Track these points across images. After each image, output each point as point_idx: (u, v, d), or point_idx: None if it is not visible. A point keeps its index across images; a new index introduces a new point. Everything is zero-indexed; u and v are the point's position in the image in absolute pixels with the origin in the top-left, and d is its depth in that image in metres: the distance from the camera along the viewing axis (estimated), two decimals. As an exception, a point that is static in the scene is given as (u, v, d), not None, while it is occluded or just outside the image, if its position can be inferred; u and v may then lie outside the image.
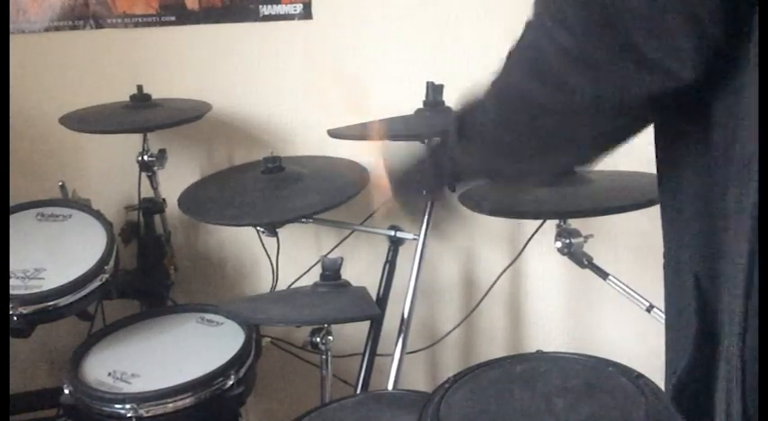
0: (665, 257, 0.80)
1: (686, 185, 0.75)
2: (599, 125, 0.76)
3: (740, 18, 0.64)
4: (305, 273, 2.04)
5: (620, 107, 0.72)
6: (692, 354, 0.74)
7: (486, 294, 2.11)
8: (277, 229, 1.92)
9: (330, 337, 1.70)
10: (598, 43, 0.70)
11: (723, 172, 0.68)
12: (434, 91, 1.78)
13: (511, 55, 0.80)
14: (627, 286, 1.71)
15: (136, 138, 2.02)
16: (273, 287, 2.13)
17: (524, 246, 2.04)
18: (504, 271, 2.11)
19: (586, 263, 1.73)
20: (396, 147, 1.29)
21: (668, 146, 0.78)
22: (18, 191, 1.96)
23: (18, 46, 2.09)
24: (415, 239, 1.78)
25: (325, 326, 1.69)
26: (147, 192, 2.07)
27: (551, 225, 1.78)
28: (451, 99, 1.80)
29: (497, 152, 0.89)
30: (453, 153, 0.96)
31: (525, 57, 0.78)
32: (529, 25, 0.76)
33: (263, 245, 2.09)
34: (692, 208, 0.74)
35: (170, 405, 1.61)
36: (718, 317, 0.70)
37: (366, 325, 1.80)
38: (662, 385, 0.83)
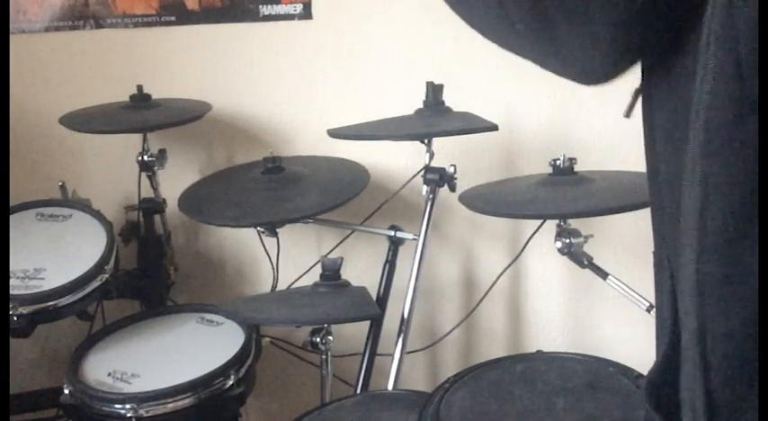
0: (653, 255, 0.81)
1: (664, 183, 0.75)
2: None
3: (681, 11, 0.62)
4: (305, 273, 2.04)
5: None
6: (666, 351, 0.74)
7: (486, 294, 2.11)
8: (277, 229, 1.92)
9: (330, 337, 1.70)
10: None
11: (684, 170, 0.68)
12: (434, 91, 1.78)
13: None
14: (627, 286, 1.71)
15: (136, 138, 2.02)
16: (273, 287, 2.13)
17: (524, 246, 2.04)
18: (504, 271, 2.11)
19: (586, 263, 1.73)
20: None
21: (649, 142, 0.78)
22: (18, 191, 1.96)
23: (18, 46, 2.09)
24: (415, 239, 1.78)
25: (325, 326, 1.69)
26: (147, 192, 2.07)
27: (551, 225, 1.78)
28: (451, 99, 1.80)
29: None
30: None
31: None
32: None
33: (263, 245, 2.09)
34: (669, 207, 0.75)
35: (170, 405, 1.61)
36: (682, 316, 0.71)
37: (366, 325, 1.80)
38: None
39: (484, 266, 2.18)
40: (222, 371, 1.65)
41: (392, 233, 1.85)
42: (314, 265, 1.97)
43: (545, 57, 0.68)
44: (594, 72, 0.67)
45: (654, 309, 1.73)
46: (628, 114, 0.80)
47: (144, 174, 2.04)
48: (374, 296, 1.78)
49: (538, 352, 1.55)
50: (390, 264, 1.85)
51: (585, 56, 0.65)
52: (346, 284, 1.74)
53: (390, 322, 1.79)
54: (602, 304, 2.16)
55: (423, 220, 1.77)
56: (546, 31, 0.64)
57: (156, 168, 2.04)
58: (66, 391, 1.66)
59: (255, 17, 2.12)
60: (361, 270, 1.96)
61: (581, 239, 1.72)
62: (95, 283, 1.74)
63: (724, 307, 0.64)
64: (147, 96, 2.02)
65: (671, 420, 0.73)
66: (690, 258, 0.65)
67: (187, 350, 1.78)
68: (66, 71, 2.20)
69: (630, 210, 1.60)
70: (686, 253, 0.66)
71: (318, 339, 1.69)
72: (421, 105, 1.80)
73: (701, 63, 0.61)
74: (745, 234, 0.62)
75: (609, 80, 0.67)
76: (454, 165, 1.78)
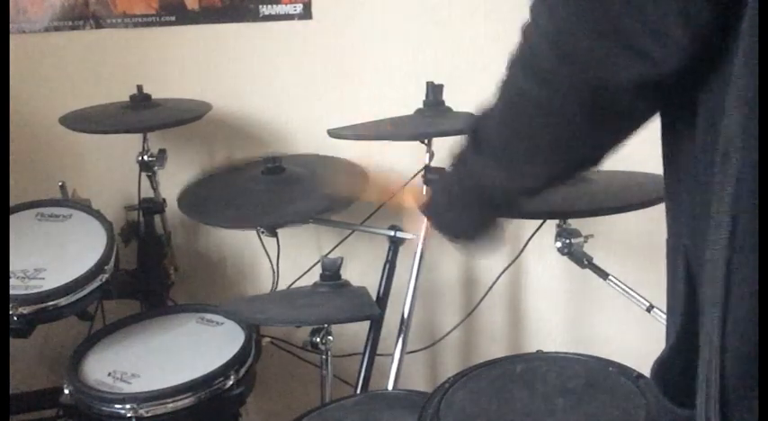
0: (666, 243, 0.81)
1: (682, 172, 0.76)
2: (589, 124, 0.75)
3: (729, 6, 0.64)
4: (305, 273, 2.04)
5: (603, 98, 0.71)
6: (678, 336, 0.74)
7: (486, 294, 2.11)
8: (277, 230, 1.92)
9: (330, 337, 1.70)
10: (579, 26, 0.68)
11: (709, 161, 0.68)
12: (434, 91, 1.78)
13: (513, 52, 0.79)
14: (627, 286, 1.71)
15: (136, 139, 2.02)
16: (273, 287, 2.13)
17: (524, 246, 2.04)
18: (504, 271, 2.11)
19: (586, 263, 1.73)
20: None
21: (669, 132, 0.78)
22: (18, 191, 1.96)
23: (18, 46, 2.09)
24: (415, 239, 1.78)
25: (325, 326, 1.69)
26: (147, 192, 2.07)
27: (551, 225, 1.78)
28: (451, 99, 1.80)
29: (508, 159, 0.85)
30: (474, 168, 0.90)
31: (519, 51, 0.77)
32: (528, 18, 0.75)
33: (263, 245, 2.09)
34: (686, 195, 0.75)
35: (170, 405, 1.61)
36: (700, 302, 0.71)
37: (366, 325, 1.80)
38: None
39: (484, 266, 2.18)
40: (222, 371, 1.65)
41: (392, 233, 1.85)
42: (314, 265, 1.97)
43: (610, 68, 0.69)
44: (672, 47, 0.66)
45: (654, 309, 1.73)
46: None
47: (144, 174, 2.04)
48: (374, 296, 1.78)
49: (538, 352, 1.55)
50: (390, 264, 1.85)
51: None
52: (346, 284, 1.74)
53: (390, 322, 1.79)
54: (602, 304, 2.16)
55: (423, 220, 1.77)
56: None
57: (156, 168, 2.03)
58: (67, 391, 1.66)
59: (255, 17, 2.12)
60: (361, 270, 1.96)
61: (581, 239, 1.72)
62: (95, 283, 1.74)
63: (747, 293, 0.64)
64: (147, 96, 2.02)
65: (679, 403, 0.73)
66: (721, 246, 0.65)
67: (187, 350, 1.78)
68: (66, 71, 2.20)
69: (630, 210, 1.60)
70: (718, 242, 0.66)
71: (318, 339, 1.69)
72: (421, 105, 1.81)
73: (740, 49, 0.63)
74: None
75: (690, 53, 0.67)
76: (454, 166, 1.77)
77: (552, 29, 0.71)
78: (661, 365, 0.77)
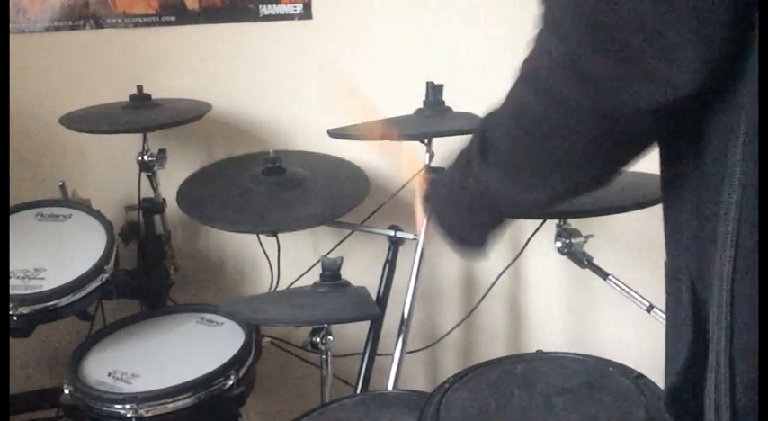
0: (666, 265, 0.81)
1: (683, 194, 0.75)
2: (601, 145, 0.75)
3: (743, 28, 0.64)
4: (305, 273, 2.04)
5: (618, 122, 0.71)
6: (686, 361, 0.74)
7: (486, 294, 2.11)
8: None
9: (330, 337, 1.70)
10: (594, 54, 0.67)
11: (714, 183, 0.68)
12: (434, 91, 1.78)
13: (520, 67, 0.77)
14: (627, 286, 1.71)
15: (136, 138, 2.02)
16: (273, 287, 2.13)
17: (524, 246, 2.04)
18: (504, 271, 2.11)
19: (586, 263, 1.73)
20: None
21: (669, 153, 0.78)
22: (18, 191, 1.96)
23: (18, 46, 2.09)
24: (415, 239, 1.78)
25: (325, 326, 1.69)
26: (147, 192, 2.07)
27: (551, 225, 1.78)
28: (451, 99, 1.80)
29: (514, 170, 0.83)
30: (481, 174, 0.88)
31: (527, 70, 0.76)
32: (535, 36, 0.74)
33: (262, 245, 2.09)
34: (688, 216, 0.74)
35: (170, 405, 1.61)
36: (709, 325, 0.70)
37: (366, 325, 1.80)
38: (662, 385, 0.83)
39: (484, 266, 2.18)
40: (222, 371, 1.65)
41: (392, 233, 1.85)
42: (314, 265, 1.97)
43: (626, 93, 0.68)
44: (687, 74, 0.66)
45: (654, 309, 1.73)
46: None
47: (144, 174, 2.04)
48: (374, 296, 1.78)
49: (538, 352, 1.55)
50: (390, 264, 1.85)
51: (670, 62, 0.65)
52: (346, 284, 1.74)
53: (390, 322, 1.79)
54: (602, 304, 2.16)
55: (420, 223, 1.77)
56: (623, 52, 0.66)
57: (156, 168, 2.03)
58: (66, 391, 1.66)
59: (255, 17, 2.12)
60: (361, 270, 1.96)
61: (581, 239, 1.72)
62: (95, 283, 1.74)
63: (750, 313, 0.64)
64: (147, 96, 2.02)
65: None
66: (726, 271, 0.65)
67: (187, 350, 1.78)
68: (66, 71, 2.20)
69: (630, 210, 1.60)
70: (724, 266, 0.66)
71: (318, 339, 1.69)
72: (421, 105, 1.80)
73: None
74: None
75: (701, 81, 0.66)
76: (454, 166, 1.77)
77: (568, 58, 0.70)
78: (673, 389, 0.76)
